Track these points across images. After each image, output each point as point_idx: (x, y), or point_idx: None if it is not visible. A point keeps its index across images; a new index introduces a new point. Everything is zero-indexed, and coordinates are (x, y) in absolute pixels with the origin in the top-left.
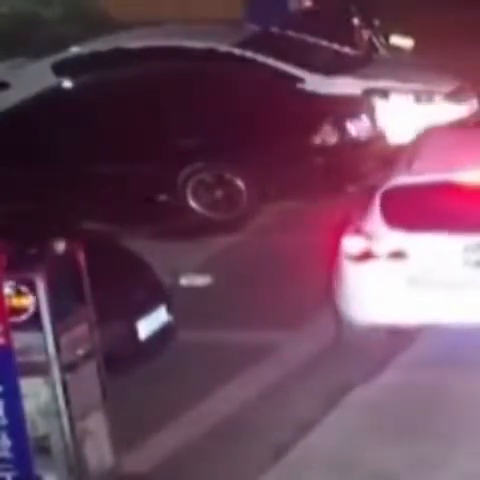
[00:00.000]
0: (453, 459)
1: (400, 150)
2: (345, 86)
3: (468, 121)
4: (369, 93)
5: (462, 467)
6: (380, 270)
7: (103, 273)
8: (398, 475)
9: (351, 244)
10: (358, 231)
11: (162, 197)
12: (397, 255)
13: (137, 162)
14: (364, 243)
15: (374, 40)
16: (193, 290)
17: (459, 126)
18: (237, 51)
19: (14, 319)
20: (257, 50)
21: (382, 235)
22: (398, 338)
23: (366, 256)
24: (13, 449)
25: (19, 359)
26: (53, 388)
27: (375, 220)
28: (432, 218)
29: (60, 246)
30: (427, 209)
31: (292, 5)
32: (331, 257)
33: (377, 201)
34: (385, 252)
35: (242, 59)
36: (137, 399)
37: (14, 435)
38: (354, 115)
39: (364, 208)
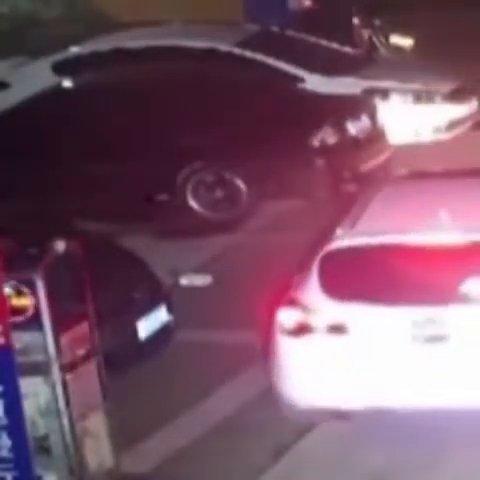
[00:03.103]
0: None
1: (347, 204)
2: (345, 86)
3: (468, 121)
4: (369, 93)
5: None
6: (318, 346)
7: (103, 273)
8: (396, 476)
9: (285, 316)
10: (293, 301)
11: (162, 197)
12: (337, 329)
13: (137, 162)
14: (300, 315)
15: (374, 40)
16: (193, 290)
17: (419, 176)
18: (237, 51)
19: (14, 319)
20: (257, 50)
21: (320, 306)
22: None
23: (302, 330)
24: (13, 449)
25: (19, 359)
26: (53, 388)
27: (312, 289)
28: (376, 287)
29: (60, 246)
30: (371, 277)
31: (292, 5)
32: (265, 331)
33: (315, 266)
34: (323, 326)
35: (242, 59)
36: (136, 399)
37: (14, 435)
38: (354, 115)
39: (301, 274)
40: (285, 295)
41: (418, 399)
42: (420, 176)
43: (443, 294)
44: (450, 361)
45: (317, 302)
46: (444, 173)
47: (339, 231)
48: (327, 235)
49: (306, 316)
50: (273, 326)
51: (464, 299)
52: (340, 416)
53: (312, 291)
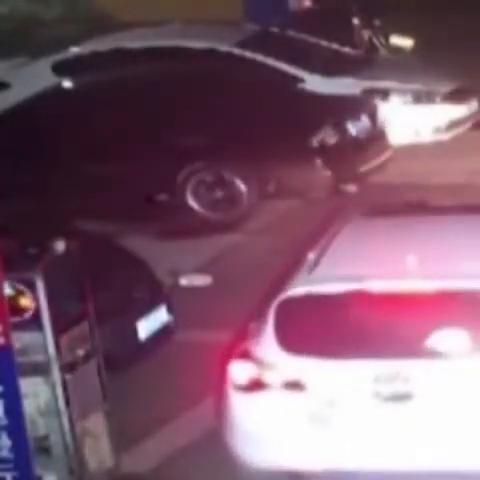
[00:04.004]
0: None
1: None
2: (345, 86)
3: (468, 121)
4: (369, 93)
5: None
6: (274, 404)
7: (103, 273)
8: None
9: (237, 371)
10: (246, 354)
11: (162, 197)
12: (294, 385)
13: (137, 162)
14: (253, 370)
15: (374, 40)
16: (193, 290)
17: (384, 213)
18: (237, 51)
19: (14, 319)
20: (257, 50)
21: (275, 360)
22: None
23: (256, 386)
24: (13, 449)
25: (19, 359)
26: (53, 388)
27: (267, 340)
28: (336, 339)
29: (60, 246)
30: (330, 328)
31: (292, 5)
32: (217, 385)
33: (270, 315)
34: (279, 382)
35: (242, 59)
36: (136, 399)
37: (14, 435)
38: (354, 115)
39: (256, 322)
40: (238, 346)
41: (377, 462)
42: (385, 213)
43: (408, 347)
44: (413, 421)
45: (272, 356)
46: (411, 209)
47: (297, 276)
48: (284, 279)
49: (260, 371)
50: (225, 380)
51: (431, 353)
52: (297, 478)
53: (267, 343)
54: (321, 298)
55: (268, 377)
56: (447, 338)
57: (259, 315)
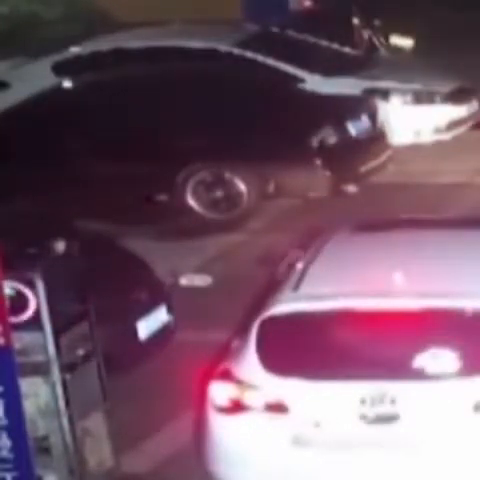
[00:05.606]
0: None
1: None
2: (345, 86)
3: (468, 121)
4: (369, 93)
5: None
6: (255, 426)
7: (103, 273)
8: None
9: (218, 391)
10: (226, 375)
11: (162, 197)
12: (276, 407)
13: (137, 162)
14: (233, 391)
15: (374, 40)
16: (193, 290)
17: (369, 228)
18: (237, 51)
19: (14, 319)
20: (257, 50)
21: (256, 381)
22: None
23: (237, 408)
24: (13, 449)
25: (19, 359)
26: (53, 388)
27: (249, 360)
28: (320, 359)
29: (60, 246)
30: (314, 347)
31: (292, 5)
32: (196, 406)
33: (252, 334)
34: (261, 403)
35: (242, 59)
36: (136, 399)
37: (14, 435)
38: (354, 115)
39: (238, 340)
40: (219, 366)
41: None
42: (371, 228)
43: (395, 368)
44: (401, 443)
45: (254, 376)
46: (399, 223)
47: (280, 293)
48: (267, 297)
49: (241, 392)
50: (205, 401)
51: (418, 374)
52: None
53: (248, 363)
54: (305, 317)
55: (249, 398)
56: (434, 358)
57: (241, 334)
